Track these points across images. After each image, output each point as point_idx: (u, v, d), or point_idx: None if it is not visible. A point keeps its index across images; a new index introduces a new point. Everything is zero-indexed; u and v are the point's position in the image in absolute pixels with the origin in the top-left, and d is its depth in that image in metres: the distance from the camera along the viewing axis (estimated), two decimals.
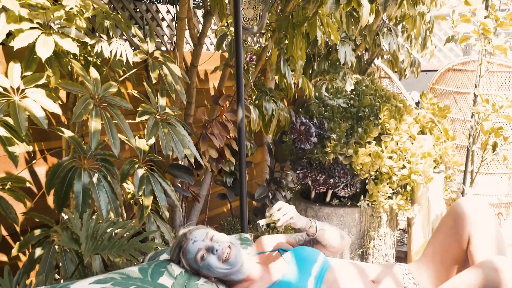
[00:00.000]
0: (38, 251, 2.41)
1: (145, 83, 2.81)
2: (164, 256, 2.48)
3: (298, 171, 3.67)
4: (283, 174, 4.48)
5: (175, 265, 2.28)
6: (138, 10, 4.17)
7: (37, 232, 2.48)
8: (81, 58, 2.70)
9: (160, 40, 4.22)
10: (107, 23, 2.75)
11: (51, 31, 2.33)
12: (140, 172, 2.64)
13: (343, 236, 2.66)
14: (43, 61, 2.30)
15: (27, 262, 2.40)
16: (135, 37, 3.73)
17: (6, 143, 2.23)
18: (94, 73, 2.48)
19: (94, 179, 2.40)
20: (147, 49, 2.92)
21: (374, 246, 3.66)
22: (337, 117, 3.60)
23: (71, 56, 2.56)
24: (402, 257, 4.13)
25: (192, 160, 2.75)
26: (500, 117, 3.75)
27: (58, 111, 2.29)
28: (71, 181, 2.35)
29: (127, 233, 2.35)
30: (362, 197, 3.61)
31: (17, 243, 2.46)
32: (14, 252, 2.45)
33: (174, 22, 4.33)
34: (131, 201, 2.97)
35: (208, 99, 4.43)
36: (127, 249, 2.25)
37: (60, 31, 2.37)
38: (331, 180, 3.54)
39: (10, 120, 2.23)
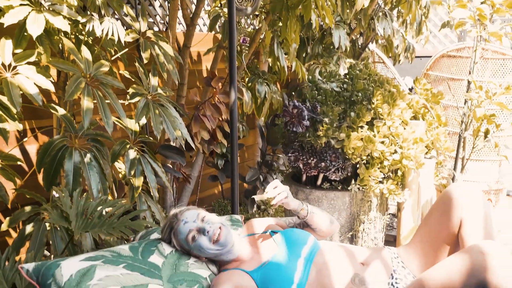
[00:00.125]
0: (29, 228, 2.41)
1: (136, 63, 2.80)
2: (155, 236, 2.48)
3: (289, 154, 3.67)
4: (275, 157, 4.48)
5: (165, 244, 2.29)
6: None
7: (27, 208, 2.47)
8: (72, 36, 2.68)
9: (153, 20, 4.19)
10: (98, 1, 2.72)
11: (42, 8, 2.31)
12: (131, 153, 2.63)
13: (333, 221, 2.67)
14: (34, 39, 2.28)
15: (17, 239, 2.40)
16: (127, 16, 3.70)
17: None
18: (85, 52, 2.46)
19: (85, 159, 2.39)
20: (139, 28, 2.90)
21: (363, 229, 3.67)
22: (330, 101, 3.60)
23: (62, 34, 2.54)
24: (391, 241, 4.14)
25: (183, 142, 2.74)
26: (493, 104, 3.74)
27: (51, 87, 2.28)
28: (62, 159, 2.34)
29: (117, 211, 2.35)
30: (353, 181, 3.62)
31: (7, 218, 2.45)
32: (3, 227, 2.45)
33: (166, 2, 4.29)
34: (123, 181, 2.96)
35: (200, 80, 4.41)
36: (117, 227, 2.25)
37: (51, 9, 2.35)
38: (323, 164, 3.54)
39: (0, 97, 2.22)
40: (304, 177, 3.84)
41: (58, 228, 2.44)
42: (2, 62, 2.22)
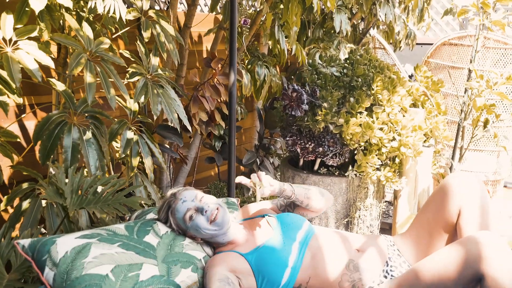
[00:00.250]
0: (25, 204, 2.41)
1: (138, 42, 2.78)
2: (151, 216, 2.49)
3: (287, 138, 3.66)
4: (272, 141, 4.47)
5: (161, 224, 2.29)
6: None
7: (24, 185, 2.47)
8: (74, 13, 2.65)
9: None
10: None
11: None
12: (128, 133, 2.62)
13: (323, 193, 2.66)
14: (36, 14, 2.25)
15: (13, 215, 2.40)
16: None
17: None
18: (87, 28, 2.44)
19: (84, 136, 2.38)
20: (141, 7, 2.88)
21: (359, 216, 3.67)
22: (329, 86, 3.58)
23: (64, 10, 2.51)
24: (386, 228, 4.15)
25: (178, 126, 2.73)
26: (494, 94, 3.74)
27: (51, 64, 2.26)
28: (60, 134, 2.33)
29: (111, 188, 2.34)
30: (350, 167, 3.61)
31: (5, 196, 2.45)
32: (2, 206, 2.45)
33: None
34: (120, 161, 2.96)
35: (200, 61, 4.39)
36: (112, 204, 2.24)
37: None
38: (320, 149, 3.54)
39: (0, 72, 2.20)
40: (301, 162, 3.84)
41: (54, 205, 2.43)
42: (3, 36, 2.20)
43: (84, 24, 2.45)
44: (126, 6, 3.49)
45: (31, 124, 3.00)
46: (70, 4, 2.29)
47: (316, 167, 3.78)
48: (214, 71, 3.43)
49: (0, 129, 2.49)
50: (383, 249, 2.34)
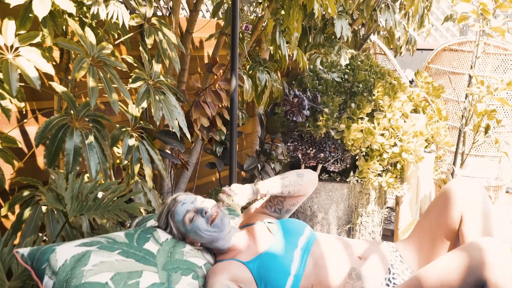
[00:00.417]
0: (27, 212, 2.40)
1: (141, 48, 2.78)
2: (151, 223, 2.48)
3: (288, 144, 3.66)
4: (273, 146, 4.47)
5: (161, 231, 2.28)
6: None
7: (25, 192, 2.47)
8: (77, 19, 2.66)
9: (156, 5, 4.17)
10: None
11: None
12: (130, 139, 2.62)
13: (302, 174, 2.57)
14: (39, 20, 2.26)
15: (15, 223, 2.39)
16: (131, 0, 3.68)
17: None
18: (90, 34, 2.45)
19: (85, 139, 2.38)
20: (144, 13, 2.88)
21: (361, 222, 3.67)
22: (330, 91, 3.59)
23: (67, 16, 2.52)
24: (388, 235, 4.15)
25: (178, 134, 2.72)
26: (494, 99, 3.74)
27: (51, 71, 2.26)
28: (63, 137, 2.33)
29: (112, 194, 2.34)
30: (351, 173, 3.61)
31: (6, 202, 2.44)
32: (3, 211, 2.44)
33: None
34: (121, 166, 2.96)
35: (201, 66, 4.39)
36: (112, 210, 2.24)
37: None
38: (322, 154, 3.54)
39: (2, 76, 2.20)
40: (302, 167, 3.83)
41: (55, 211, 2.43)
42: (4, 43, 2.20)
43: (87, 29, 2.45)
44: (129, 12, 3.49)
45: (32, 129, 3.00)
46: (73, 10, 2.30)
47: (317, 173, 3.77)
48: (215, 76, 3.43)
49: (1, 134, 2.49)
50: (386, 256, 2.33)
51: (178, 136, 2.70)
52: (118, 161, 2.93)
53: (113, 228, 2.53)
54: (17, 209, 2.47)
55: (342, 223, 3.67)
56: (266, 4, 3.90)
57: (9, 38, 2.21)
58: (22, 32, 2.27)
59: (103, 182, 2.40)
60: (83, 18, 2.67)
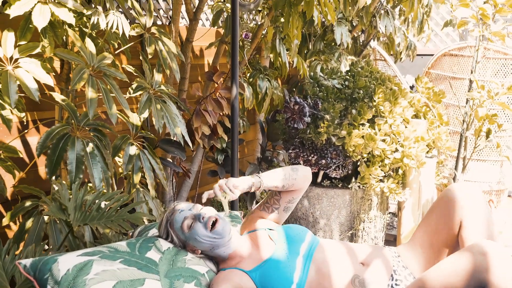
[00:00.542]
0: (29, 222, 2.41)
1: (141, 57, 2.79)
2: (153, 231, 2.48)
3: (290, 151, 3.66)
4: (275, 153, 4.47)
5: (163, 240, 2.28)
6: None
7: (27, 202, 2.47)
8: (77, 29, 2.67)
9: (156, 14, 4.18)
10: None
11: (47, 0, 2.29)
12: (131, 148, 2.63)
13: (296, 169, 2.53)
14: (39, 31, 2.27)
15: (17, 233, 2.40)
16: (131, 9, 3.69)
17: None
18: (89, 44, 2.45)
19: (88, 148, 2.39)
20: (144, 23, 2.89)
21: (363, 228, 3.67)
22: (331, 98, 3.59)
23: (67, 26, 2.53)
24: (391, 240, 4.14)
25: (182, 141, 2.73)
26: (495, 104, 3.74)
27: (51, 82, 2.27)
28: (65, 146, 2.33)
29: (115, 204, 2.34)
30: (353, 179, 3.61)
31: (8, 213, 2.45)
32: (5, 221, 2.45)
33: None
34: (122, 175, 2.96)
35: (202, 75, 4.40)
36: (115, 220, 2.25)
37: (56, 1, 2.34)
38: (323, 161, 3.54)
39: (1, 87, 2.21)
40: None
41: (57, 221, 2.43)
42: (4, 54, 2.21)
43: (87, 40, 2.46)
44: (129, 21, 3.51)
45: (34, 139, 3.01)
46: (72, 21, 2.30)
47: (319, 179, 3.77)
48: (216, 85, 3.43)
49: (2, 144, 2.50)
50: (388, 262, 2.33)
51: (182, 143, 2.70)
52: (120, 170, 2.94)
53: (116, 237, 2.53)
54: (19, 219, 2.47)
55: (345, 229, 3.67)
56: (265, 12, 3.92)
57: (9, 49, 2.22)
58: (22, 42, 2.28)
59: (105, 191, 2.41)
60: (83, 28, 2.68)
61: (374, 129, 3.49)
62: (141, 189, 2.82)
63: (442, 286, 1.92)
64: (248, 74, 4.06)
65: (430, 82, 4.18)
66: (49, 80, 2.26)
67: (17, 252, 2.28)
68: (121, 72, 2.53)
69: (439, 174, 4.04)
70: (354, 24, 5.08)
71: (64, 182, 2.35)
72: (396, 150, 3.48)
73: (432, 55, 5.11)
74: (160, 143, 3.17)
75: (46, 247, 2.55)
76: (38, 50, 2.30)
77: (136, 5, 2.93)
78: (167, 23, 4.22)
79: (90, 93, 2.28)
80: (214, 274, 2.28)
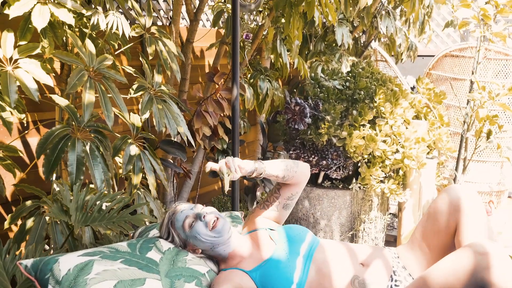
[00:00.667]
0: (29, 222, 2.41)
1: (141, 58, 2.79)
2: (154, 232, 2.48)
3: (290, 152, 3.66)
4: (276, 154, 4.47)
5: (163, 241, 2.28)
6: None
7: (28, 203, 2.47)
8: (76, 30, 2.66)
9: (156, 15, 4.18)
10: None
11: (47, 1, 2.29)
12: (131, 149, 2.63)
13: (297, 163, 2.55)
14: (39, 31, 2.26)
15: (17, 233, 2.40)
16: (131, 10, 3.69)
17: None
18: (89, 45, 2.45)
19: (88, 149, 2.39)
20: (144, 23, 2.89)
21: (364, 229, 3.67)
22: (332, 99, 3.59)
23: (66, 27, 2.53)
24: (391, 241, 4.14)
25: (185, 138, 2.73)
26: (496, 105, 3.74)
27: (50, 83, 2.27)
28: (64, 148, 2.33)
29: (117, 205, 2.34)
30: (354, 180, 3.61)
31: (9, 215, 2.45)
32: (6, 224, 2.45)
33: None
34: (123, 176, 2.96)
35: (203, 75, 4.40)
36: (116, 221, 2.25)
37: (56, 1, 2.34)
38: (324, 162, 3.54)
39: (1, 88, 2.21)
40: None
41: (58, 222, 2.43)
42: (3, 55, 2.21)
43: (87, 40, 2.46)
44: (129, 22, 3.51)
45: (34, 140, 3.01)
46: (72, 21, 2.30)
47: (320, 180, 3.78)
48: (217, 86, 3.43)
49: (3, 144, 2.50)
50: (388, 262, 2.32)
51: (186, 142, 2.70)
52: (121, 170, 2.93)
53: (117, 238, 2.54)
54: (20, 221, 2.47)
55: (345, 230, 3.67)
56: (266, 13, 3.92)
57: (8, 50, 2.22)
58: (22, 43, 2.28)
59: (106, 192, 2.41)
60: (83, 29, 2.68)
61: (375, 130, 3.49)
62: (142, 190, 2.82)
63: (442, 286, 1.92)
64: (249, 75, 4.06)
65: (431, 83, 4.18)
66: (49, 80, 2.26)
67: (17, 252, 2.28)
68: (121, 75, 2.53)
69: (439, 175, 4.04)
70: (355, 24, 5.08)
71: (66, 181, 2.35)
72: (397, 151, 3.48)
73: (433, 56, 5.11)
74: (160, 144, 3.17)
75: (47, 247, 2.56)
76: (38, 50, 2.30)
77: (136, 5, 2.93)
78: (167, 24, 4.22)
79: (88, 96, 2.28)
80: (214, 274, 2.28)
